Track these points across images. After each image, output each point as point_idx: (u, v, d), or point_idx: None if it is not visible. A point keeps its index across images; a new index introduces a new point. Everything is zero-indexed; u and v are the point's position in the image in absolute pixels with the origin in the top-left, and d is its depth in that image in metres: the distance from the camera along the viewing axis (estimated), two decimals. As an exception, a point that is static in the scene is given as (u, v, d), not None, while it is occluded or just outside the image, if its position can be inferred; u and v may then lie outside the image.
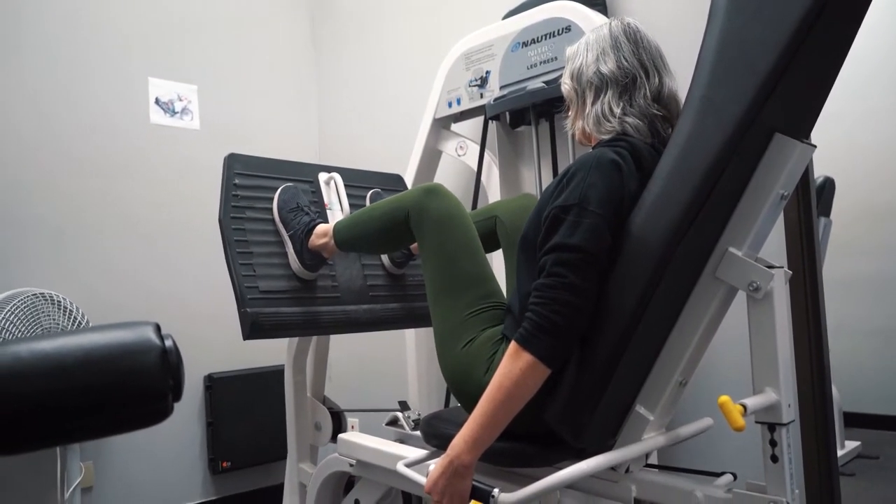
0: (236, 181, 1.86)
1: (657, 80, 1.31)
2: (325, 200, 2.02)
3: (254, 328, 1.70)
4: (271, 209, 1.89)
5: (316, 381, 2.23)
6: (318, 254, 1.82)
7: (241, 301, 1.71)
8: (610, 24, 1.35)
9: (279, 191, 1.89)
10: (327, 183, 2.04)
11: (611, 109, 1.30)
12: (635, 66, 1.29)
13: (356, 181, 2.14)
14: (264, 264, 1.80)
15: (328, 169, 2.08)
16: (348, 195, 2.06)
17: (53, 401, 0.76)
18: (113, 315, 2.61)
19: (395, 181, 2.27)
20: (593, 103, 1.32)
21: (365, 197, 2.11)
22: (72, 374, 0.77)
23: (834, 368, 1.94)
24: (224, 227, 1.78)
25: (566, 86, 1.40)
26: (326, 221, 1.93)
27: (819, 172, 2.81)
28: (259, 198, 1.88)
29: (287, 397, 2.20)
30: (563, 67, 1.42)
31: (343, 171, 2.11)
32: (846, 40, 1.10)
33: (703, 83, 1.09)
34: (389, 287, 2.06)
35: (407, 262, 2.04)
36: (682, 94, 1.16)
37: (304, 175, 2.02)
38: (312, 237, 1.80)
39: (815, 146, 1.16)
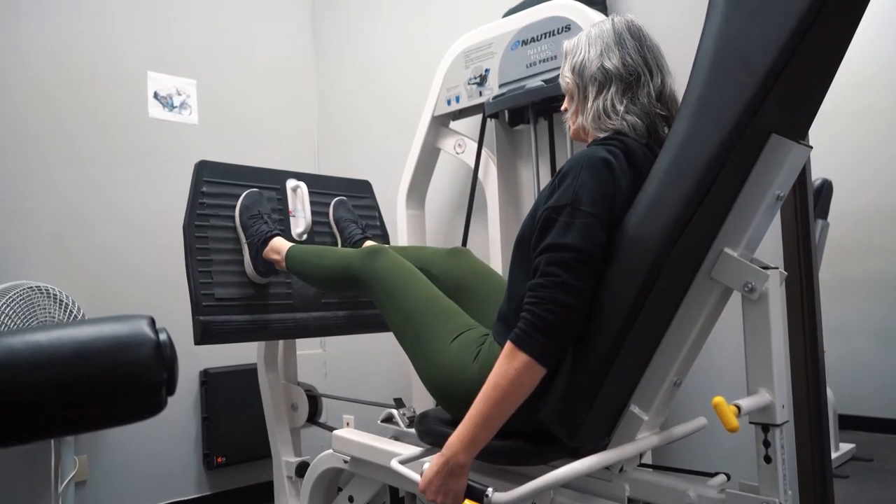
0: (204, 188, 1.93)
1: (660, 79, 1.30)
2: (290, 207, 2.11)
3: (205, 335, 1.82)
4: (234, 216, 1.96)
5: (288, 368, 2.26)
6: (272, 264, 1.91)
7: (195, 308, 1.82)
8: (613, 19, 1.34)
9: (242, 196, 1.97)
10: (294, 190, 2.10)
11: (613, 106, 1.28)
12: (639, 64, 1.29)
13: (323, 188, 2.22)
14: (222, 271, 1.89)
15: (297, 176, 2.14)
16: (314, 202, 2.15)
17: (46, 393, 0.75)
18: (110, 309, 2.60)
19: (363, 187, 2.32)
20: (595, 99, 1.31)
21: (329, 204, 2.19)
22: (65, 366, 0.76)
23: (829, 371, 1.94)
24: (187, 234, 1.87)
25: (567, 79, 1.38)
26: (287, 230, 2.04)
27: (818, 174, 2.82)
28: (224, 205, 1.96)
29: (263, 394, 2.22)
30: (562, 65, 1.42)
31: (311, 178, 2.19)
32: (844, 41, 1.10)
33: (700, 83, 1.09)
34: (340, 294, 2.14)
35: None
36: (681, 95, 1.16)
37: (273, 182, 2.10)
38: (267, 249, 1.90)
39: (811, 147, 1.16)
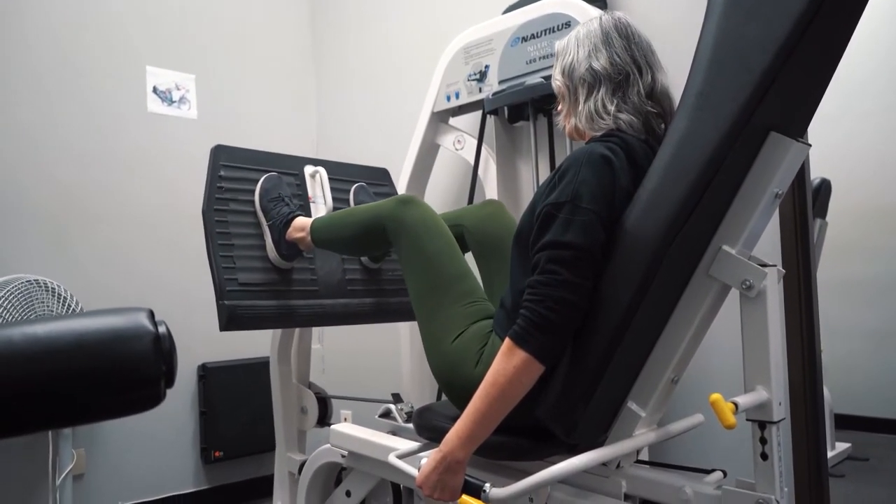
0: (221, 173, 1.88)
1: (650, 76, 1.30)
2: (310, 193, 2.04)
3: (230, 320, 1.75)
4: (254, 200, 1.91)
5: (301, 367, 2.25)
6: (295, 245, 1.85)
7: (219, 293, 1.75)
8: (600, 18, 1.33)
9: (262, 179, 1.92)
10: (312, 176, 2.06)
11: (604, 106, 1.28)
12: (628, 63, 1.28)
13: (341, 174, 2.16)
14: (245, 256, 1.83)
15: (314, 162, 2.10)
16: (333, 188, 2.08)
17: (44, 384, 0.76)
18: (107, 303, 2.61)
19: (380, 175, 2.29)
20: (586, 100, 1.31)
21: (349, 191, 2.13)
22: (64, 357, 0.76)
23: (826, 370, 1.94)
24: (207, 219, 1.81)
25: (557, 82, 1.38)
26: (307, 214, 1.96)
27: (818, 174, 2.82)
28: (243, 190, 1.90)
29: (273, 387, 2.21)
30: (554, 67, 1.41)
31: (329, 165, 2.12)
32: (843, 39, 1.10)
33: (700, 80, 1.09)
34: (366, 282, 2.08)
35: (383, 257, 2.06)
36: (680, 92, 1.16)
37: (290, 167, 2.04)
38: (290, 229, 1.83)
39: (810, 145, 1.16)
